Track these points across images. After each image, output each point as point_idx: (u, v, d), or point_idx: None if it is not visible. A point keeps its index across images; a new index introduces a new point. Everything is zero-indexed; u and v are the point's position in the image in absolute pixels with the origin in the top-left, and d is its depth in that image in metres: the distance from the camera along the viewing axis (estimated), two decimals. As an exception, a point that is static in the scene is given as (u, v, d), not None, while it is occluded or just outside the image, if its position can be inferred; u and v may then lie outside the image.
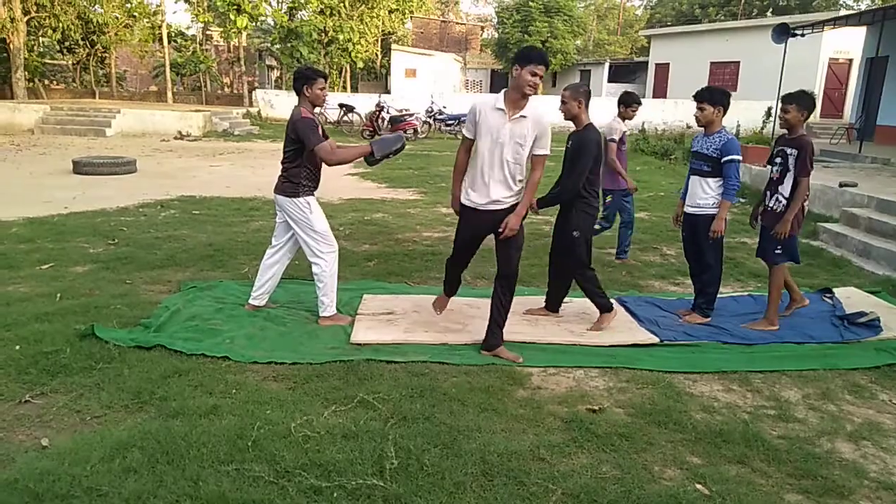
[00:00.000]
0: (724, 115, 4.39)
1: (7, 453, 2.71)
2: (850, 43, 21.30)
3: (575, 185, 4.19)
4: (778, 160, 4.44)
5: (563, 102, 4.26)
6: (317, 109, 4.32)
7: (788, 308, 4.76)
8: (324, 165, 4.28)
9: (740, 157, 4.32)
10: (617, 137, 5.98)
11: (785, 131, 4.48)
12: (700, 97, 4.38)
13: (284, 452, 2.73)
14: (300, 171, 4.22)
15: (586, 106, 4.24)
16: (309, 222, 4.26)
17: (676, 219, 4.75)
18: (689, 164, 4.54)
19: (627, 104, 6.01)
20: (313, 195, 4.32)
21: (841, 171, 10.01)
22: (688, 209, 4.52)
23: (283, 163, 4.28)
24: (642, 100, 6.52)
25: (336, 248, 4.37)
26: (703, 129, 4.46)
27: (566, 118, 4.29)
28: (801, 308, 4.81)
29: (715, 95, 4.34)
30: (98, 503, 2.37)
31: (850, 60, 22.54)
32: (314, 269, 4.31)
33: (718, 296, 5.12)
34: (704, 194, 4.39)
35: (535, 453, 2.83)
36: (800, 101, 4.30)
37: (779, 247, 4.43)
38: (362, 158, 4.28)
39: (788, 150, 4.35)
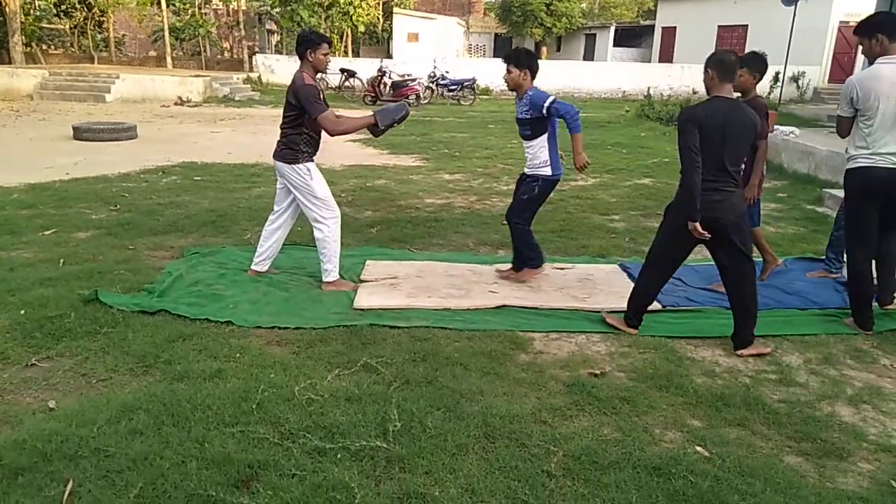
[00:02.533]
0: (532, 78, 4.29)
1: (15, 415, 2.74)
2: (861, 5, 20.74)
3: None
4: None
5: (739, 77, 3.90)
6: (318, 75, 4.25)
7: (764, 271, 4.73)
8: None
9: (552, 97, 4.21)
10: None
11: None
12: (506, 59, 4.32)
13: (288, 415, 2.76)
14: (299, 137, 4.17)
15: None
16: (310, 188, 4.23)
17: None
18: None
19: None
20: (313, 161, 4.28)
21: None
22: (526, 170, 4.44)
23: (282, 128, 4.22)
24: (648, 65, 6.13)
25: (338, 214, 4.35)
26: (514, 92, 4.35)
27: (736, 90, 3.91)
28: (777, 269, 4.82)
29: (521, 58, 4.28)
30: (105, 464, 2.41)
31: (861, 24, 22.07)
32: (316, 234, 4.30)
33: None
34: (535, 157, 4.33)
35: (537, 416, 2.86)
36: (750, 63, 4.24)
37: None
38: (366, 129, 4.22)
39: None
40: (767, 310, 4.21)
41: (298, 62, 4.17)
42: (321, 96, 4.10)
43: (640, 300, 3.79)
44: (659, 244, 3.72)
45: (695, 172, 3.34)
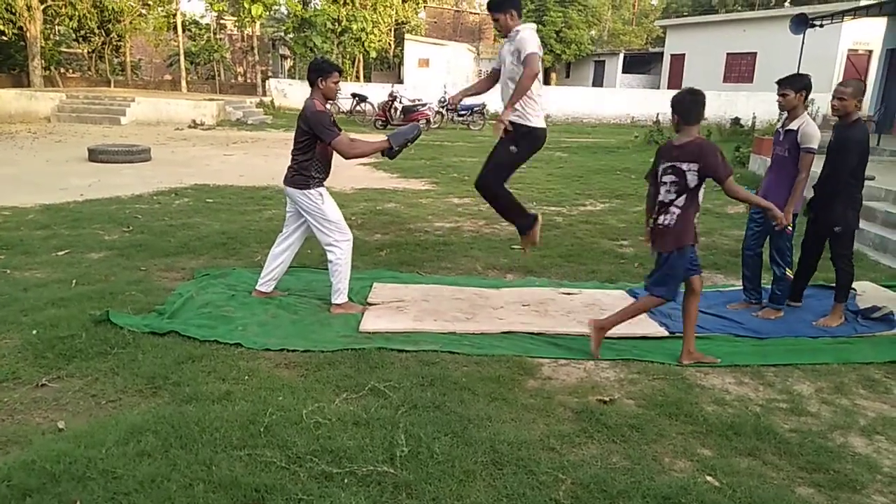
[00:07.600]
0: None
1: (24, 435, 2.75)
2: (870, 34, 20.95)
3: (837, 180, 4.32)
4: None
5: (840, 100, 4.21)
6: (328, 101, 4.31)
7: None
8: (335, 155, 4.28)
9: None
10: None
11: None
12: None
13: (296, 438, 2.75)
14: (311, 162, 4.23)
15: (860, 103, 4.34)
16: (322, 212, 4.27)
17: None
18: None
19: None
20: (324, 185, 4.33)
21: (858, 164, 9.84)
22: None
23: (293, 153, 4.28)
24: (657, 92, 6.13)
25: (350, 237, 4.38)
26: None
27: (836, 114, 4.31)
28: (814, 301, 4.78)
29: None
30: (113, 486, 2.41)
31: (870, 52, 22.18)
32: (329, 256, 4.33)
33: (731, 289, 5.11)
34: None
35: (545, 443, 2.84)
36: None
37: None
38: (380, 153, 4.27)
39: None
40: (778, 338, 4.19)
41: (310, 89, 4.24)
42: (332, 121, 4.16)
43: None
44: None
45: None
